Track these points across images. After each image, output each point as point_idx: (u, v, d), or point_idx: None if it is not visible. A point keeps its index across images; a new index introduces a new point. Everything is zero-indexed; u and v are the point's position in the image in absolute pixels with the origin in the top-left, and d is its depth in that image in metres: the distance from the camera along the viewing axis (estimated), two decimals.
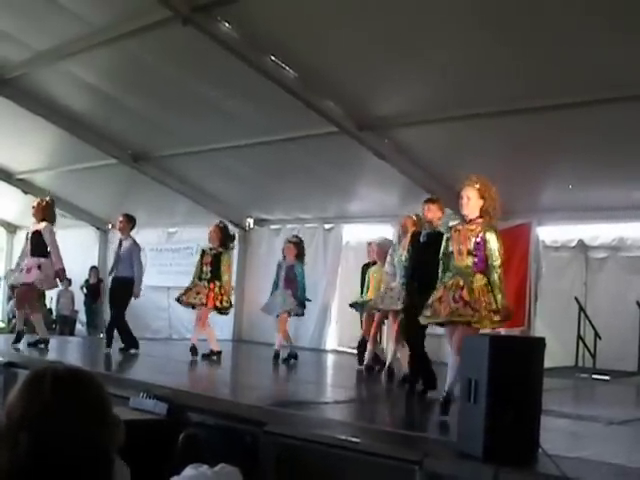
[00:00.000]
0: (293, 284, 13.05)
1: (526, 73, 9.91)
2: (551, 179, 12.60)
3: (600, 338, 14.85)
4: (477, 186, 7.94)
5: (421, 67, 10.61)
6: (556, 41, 9.16)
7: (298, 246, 13.33)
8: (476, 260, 7.85)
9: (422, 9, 9.40)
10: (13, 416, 2.36)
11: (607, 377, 13.20)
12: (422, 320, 8.22)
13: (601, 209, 12.81)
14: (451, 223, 8.75)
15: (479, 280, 7.80)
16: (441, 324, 8.18)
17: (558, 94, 10.09)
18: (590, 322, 15.04)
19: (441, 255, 8.22)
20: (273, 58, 11.05)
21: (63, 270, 12.87)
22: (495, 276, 7.80)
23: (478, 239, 7.86)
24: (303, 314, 13.55)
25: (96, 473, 2.37)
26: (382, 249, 12.15)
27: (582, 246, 15.18)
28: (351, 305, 13.09)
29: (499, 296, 7.77)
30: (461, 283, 7.83)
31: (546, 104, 10.37)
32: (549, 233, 14.29)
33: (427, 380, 9.31)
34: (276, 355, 13.07)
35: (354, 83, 11.49)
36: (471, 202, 7.95)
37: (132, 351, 13.00)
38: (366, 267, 13.10)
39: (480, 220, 7.94)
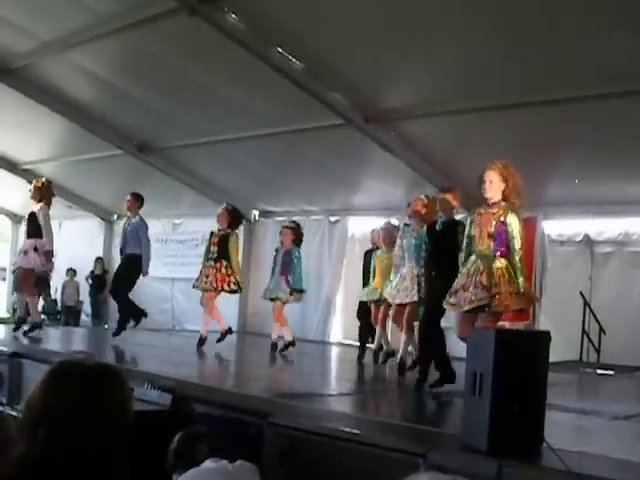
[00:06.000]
0: (289, 269, 13.00)
1: (533, 66, 9.88)
2: (557, 173, 12.57)
3: (605, 333, 14.87)
4: (499, 169, 7.97)
5: (428, 60, 10.59)
6: (563, 35, 9.13)
7: (295, 231, 13.26)
8: (497, 243, 7.88)
9: (429, 2, 9.39)
10: (33, 408, 2.35)
11: (611, 372, 13.19)
12: (446, 307, 8.23)
13: (607, 204, 12.79)
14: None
15: (500, 263, 7.81)
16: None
17: (565, 88, 10.07)
18: (595, 317, 15.05)
19: (465, 239, 8.25)
20: (280, 50, 11.03)
21: (50, 252, 12.84)
22: (516, 259, 7.84)
23: (499, 222, 7.89)
24: (300, 300, 13.48)
25: (108, 472, 2.37)
26: (387, 233, 12.01)
27: (588, 241, 15.18)
28: (376, 302, 12.59)
29: (521, 279, 7.80)
30: (481, 268, 7.84)
31: (553, 98, 10.35)
32: (555, 227, 14.26)
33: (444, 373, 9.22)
34: (273, 346, 13.13)
35: (361, 75, 11.47)
36: (493, 185, 7.98)
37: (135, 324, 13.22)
38: (369, 254, 12.84)
39: (503, 203, 7.98)
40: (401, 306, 10.62)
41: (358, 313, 12.92)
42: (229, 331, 13.04)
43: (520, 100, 10.69)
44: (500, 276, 7.78)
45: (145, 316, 13.22)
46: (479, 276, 7.82)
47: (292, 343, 13.14)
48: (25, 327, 13.04)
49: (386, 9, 9.58)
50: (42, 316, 15.40)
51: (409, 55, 10.54)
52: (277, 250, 13.40)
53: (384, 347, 11.87)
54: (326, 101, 11.96)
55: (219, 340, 12.89)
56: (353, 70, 11.39)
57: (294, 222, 13.73)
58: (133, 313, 13.20)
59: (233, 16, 10.53)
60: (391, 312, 11.24)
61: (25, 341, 12.32)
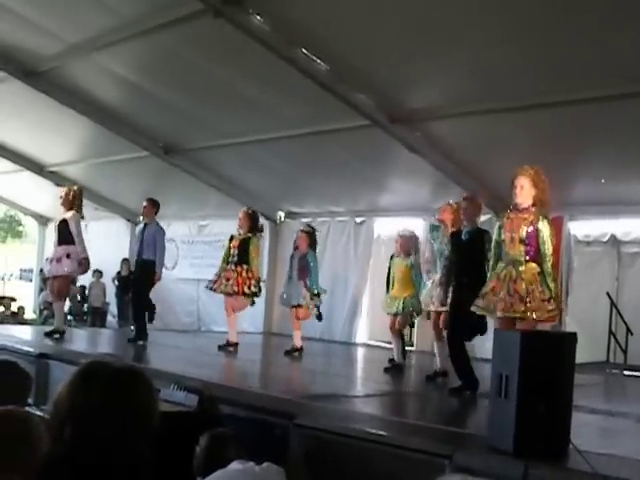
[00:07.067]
0: (306, 274, 12.99)
1: (559, 66, 9.82)
2: (583, 173, 12.50)
3: (632, 333, 14.80)
4: (530, 175, 8.00)
5: (453, 60, 10.55)
6: (585, 34, 9.08)
7: (310, 235, 13.28)
8: (528, 249, 7.91)
9: (453, 4, 9.37)
10: (60, 408, 2.38)
11: (638, 373, 13.12)
12: (474, 309, 8.23)
13: (634, 204, 12.68)
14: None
15: (531, 269, 7.86)
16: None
17: (590, 88, 10.01)
18: (622, 317, 14.99)
19: (493, 243, 8.31)
20: (304, 51, 11.02)
21: (87, 259, 12.96)
22: (547, 264, 7.89)
23: (530, 228, 7.93)
24: (319, 305, 13.27)
25: (132, 472, 2.39)
26: (404, 241, 11.90)
27: (614, 241, 15.11)
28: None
29: (552, 285, 7.85)
30: (514, 274, 7.87)
31: (579, 97, 10.29)
32: (581, 228, 14.15)
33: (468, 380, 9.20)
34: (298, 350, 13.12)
35: (386, 76, 11.45)
36: (524, 191, 8.03)
37: (140, 343, 12.98)
38: (391, 260, 12.74)
39: (533, 209, 8.01)
40: (438, 313, 10.56)
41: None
42: (235, 345, 12.93)
43: (545, 100, 10.63)
44: (533, 282, 7.81)
45: (144, 341, 13.05)
46: (513, 283, 7.84)
47: (300, 349, 13.12)
48: (46, 330, 13.17)
49: (410, 11, 9.57)
50: (68, 317, 15.38)
51: (434, 56, 10.52)
52: (292, 256, 13.40)
53: (395, 358, 11.77)
54: (351, 102, 11.94)
55: (221, 347, 12.86)
56: (378, 71, 11.36)
57: (310, 226, 13.80)
58: (140, 328, 13.15)
59: (257, 17, 10.53)
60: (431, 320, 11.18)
61: (51, 342, 12.41)
